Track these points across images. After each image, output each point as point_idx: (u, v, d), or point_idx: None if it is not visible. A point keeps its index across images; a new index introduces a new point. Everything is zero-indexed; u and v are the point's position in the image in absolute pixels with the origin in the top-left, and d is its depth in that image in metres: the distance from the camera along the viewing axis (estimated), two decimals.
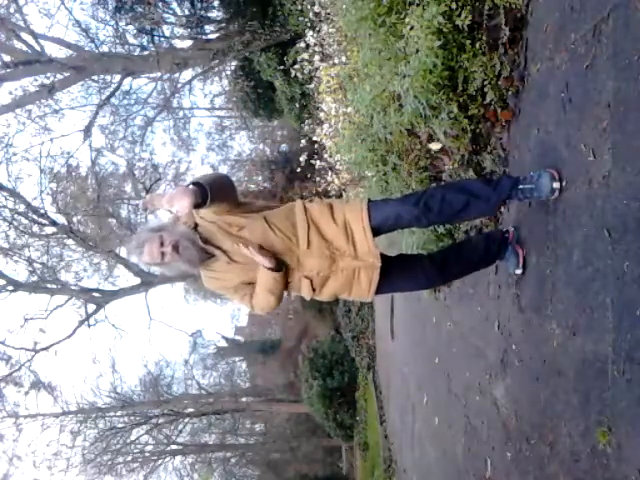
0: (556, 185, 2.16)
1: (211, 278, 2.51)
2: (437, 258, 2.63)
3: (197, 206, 2.09)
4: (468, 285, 3.56)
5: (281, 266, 2.35)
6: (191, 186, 2.09)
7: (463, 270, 2.72)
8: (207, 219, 2.37)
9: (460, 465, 3.57)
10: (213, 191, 2.12)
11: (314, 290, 2.45)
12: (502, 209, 2.87)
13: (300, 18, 9.55)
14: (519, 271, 2.51)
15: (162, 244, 2.33)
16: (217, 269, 2.43)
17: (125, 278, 20.39)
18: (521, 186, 2.26)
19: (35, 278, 15.97)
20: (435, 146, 3.25)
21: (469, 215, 2.63)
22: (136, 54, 13.45)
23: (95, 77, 14.03)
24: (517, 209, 2.64)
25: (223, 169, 20.48)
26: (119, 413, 20.31)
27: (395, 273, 2.50)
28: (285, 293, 2.50)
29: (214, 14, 13.61)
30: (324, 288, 2.45)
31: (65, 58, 13.24)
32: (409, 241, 4.14)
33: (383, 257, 2.43)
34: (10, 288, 15.30)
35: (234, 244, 2.34)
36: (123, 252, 17.86)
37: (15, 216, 14.67)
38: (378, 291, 2.47)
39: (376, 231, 2.37)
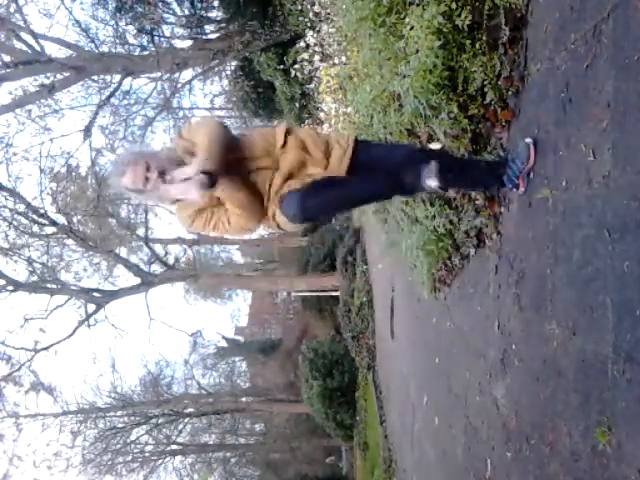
0: (528, 140, 2.29)
1: (182, 208, 2.45)
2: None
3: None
4: (468, 285, 3.56)
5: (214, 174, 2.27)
6: (201, 176, 2.16)
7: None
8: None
9: (460, 465, 3.57)
10: (220, 167, 2.21)
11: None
12: (502, 209, 2.87)
13: (300, 18, 9.56)
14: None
15: (148, 169, 2.26)
16: None
17: (125, 278, 20.36)
18: (508, 168, 2.41)
19: (35, 278, 15.96)
20: (435, 146, 3.25)
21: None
22: (136, 54, 13.45)
23: (95, 77, 14.02)
24: (517, 209, 2.64)
25: None
26: (119, 413, 20.32)
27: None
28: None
29: (214, 14, 13.62)
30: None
31: (65, 58, 13.23)
32: (409, 242, 4.14)
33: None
34: (10, 288, 15.29)
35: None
36: (123, 251, 17.91)
37: (15, 216, 14.67)
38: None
39: (355, 164, 2.39)
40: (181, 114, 18.93)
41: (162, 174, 2.25)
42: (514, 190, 2.49)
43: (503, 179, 2.48)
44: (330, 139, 2.45)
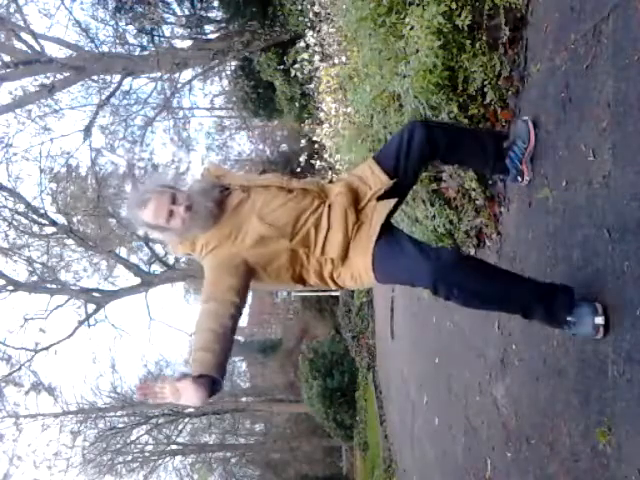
0: (525, 118, 2.18)
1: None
2: None
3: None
4: None
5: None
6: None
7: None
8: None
9: (460, 465, 3.57)
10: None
11: (330, 225, 2.08)
12: (502, 209, 2.87)
13: (300, 18, 9.56)
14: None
15: (174, 201, 2.01)
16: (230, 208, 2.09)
17: (125, 278, 20.38)
18: (511, 151, 2.30)
19: (35, 278, 15.99)
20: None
21: None
22: (136, 54, 13.46)
23: (95, 77, 14.04)
24: (517, 209, 2.64)
25: None
26: (119, 413, 20.32)
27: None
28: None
29: (214, 14, 13.63)
30: (340, 227, 2.07)
31: (65, 58, 13.25)
32: None
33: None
34: (10, 288, 15.32)
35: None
36: (123, 251, 17.91)
37: (15, 216, 14.70)
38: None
39: (388, 168, 2.14)
40: (181, 114, 18.95)
41: (189, 208, 2.01)
42: (518, 179, 2.39)
43: (506, 163, 2.36)
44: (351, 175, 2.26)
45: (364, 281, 2.10)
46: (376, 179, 2.13)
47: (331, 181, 2.50)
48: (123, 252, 17.99)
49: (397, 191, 2.16)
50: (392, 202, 2.11)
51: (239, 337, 28.66)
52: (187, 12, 13.20)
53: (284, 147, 20.79)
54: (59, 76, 13.06)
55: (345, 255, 2.07)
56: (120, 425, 20.32)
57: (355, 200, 2.12)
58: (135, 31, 12.93)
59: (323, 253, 2.07)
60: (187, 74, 15.88)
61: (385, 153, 2.23)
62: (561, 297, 1.89)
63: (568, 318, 1.86)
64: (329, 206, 2.12)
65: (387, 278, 2.09)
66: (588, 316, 1.78)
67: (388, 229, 2.06)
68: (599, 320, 1.76)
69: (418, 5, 2.70)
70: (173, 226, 2.04)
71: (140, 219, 2.07)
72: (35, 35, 12.32)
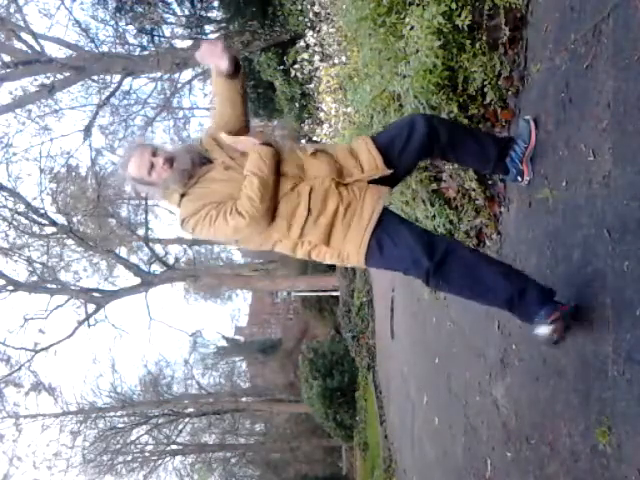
0: (527, 117, 2.28)
1: (194, 200, 2.16)
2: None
3: (230, 76, 2.22)
4: None
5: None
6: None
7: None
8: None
9: (460, 465, 3.57)
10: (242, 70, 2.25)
11: (309, 210, 2.07)
12: (502, 209, 2.87)
13: (300, 18, 9.56)
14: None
15: (154, 154, 2.18)
16: (208, 179, 2.18)
17: (125, 278, 20.38)
18: (511, 150, 2.33)
19: (35, 278, 15.98)
20: None
21: None
22: (136, 54, 13.45)
23: (95, 77, 14.02)
24: (517, 209, 2.64)
25: None
26: (119, 413, 20.32)
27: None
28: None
29: (214, 14, 13.62)
30: (322, 212, 2.07)
31: (65, 58, 13.23)
32: None
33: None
34: (10, 288, 15.31)
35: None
36: (123, 251, 17.91)
37: (15, 216, 14.69)
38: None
39: (384, 153, 2.16)
40: (181, 114, 18.93)
41: (170, 161, 2.16)
42: (518, 179, 2.38)
43: (506, 163, 2.36)
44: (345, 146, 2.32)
45: (352, 262, 2.14)
46: (371, 160, 2.17)
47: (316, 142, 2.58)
48: (123, 252, 17.99)
49: (389, 179, 2.20)
50: (386, 190, 2.15)
51: (239, 337, 28.69)
52: (187, 12, 13.19)
53: None
54: (59, 76, 13.05)
55: (328, 238, 2.09)
56: (120, 425, 20.33)
57: (338, 175, 2.14)
58: (135, 31, 12.92)
59: (301, 236, 2.11)
60: (187, 74, 15.88)
61: (383, 137, 2.27)
62: (536, 293, 1.98)
63: (535, 318, 1.96)
64: (310, 189, 2.10)
65: (379, 265, 2.16)
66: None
67: (383, 215, 2.08)
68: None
69: (418, 5, 2.70)
70: (154, 179, 2.19)
71: (126, 176, 2.24)
72: (35, 35, 12.31)
